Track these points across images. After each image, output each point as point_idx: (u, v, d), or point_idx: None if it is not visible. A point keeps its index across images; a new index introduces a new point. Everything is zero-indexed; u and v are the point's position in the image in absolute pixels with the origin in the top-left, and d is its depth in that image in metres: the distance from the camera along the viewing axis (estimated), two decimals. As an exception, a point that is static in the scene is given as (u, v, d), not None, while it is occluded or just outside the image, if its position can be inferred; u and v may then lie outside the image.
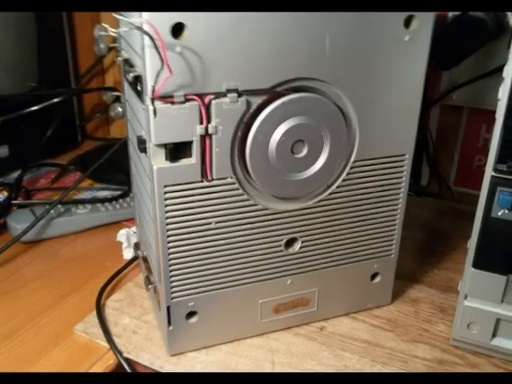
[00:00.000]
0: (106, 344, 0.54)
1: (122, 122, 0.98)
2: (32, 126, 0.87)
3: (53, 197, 0.79)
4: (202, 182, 0.46)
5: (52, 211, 0.71)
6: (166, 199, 0.46)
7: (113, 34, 0.47)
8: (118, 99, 0.93)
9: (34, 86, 0.88)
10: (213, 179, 0.47)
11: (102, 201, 0.77)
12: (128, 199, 0.78)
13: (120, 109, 0.90)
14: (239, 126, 0.45)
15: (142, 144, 0.46)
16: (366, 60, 0.47)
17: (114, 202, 0.77)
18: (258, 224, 0.50)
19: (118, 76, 1.02)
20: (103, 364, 0.52)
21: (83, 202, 0.76)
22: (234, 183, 0.47)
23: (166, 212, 0.46)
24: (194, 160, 0.45)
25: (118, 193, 0.79)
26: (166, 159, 0.45)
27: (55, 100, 0.86)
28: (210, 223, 0.48)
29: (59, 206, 0.73)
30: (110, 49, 0.90)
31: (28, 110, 0.84)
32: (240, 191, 0.48)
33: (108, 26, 0.47)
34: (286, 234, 0.52)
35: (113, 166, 0.81)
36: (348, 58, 0.46)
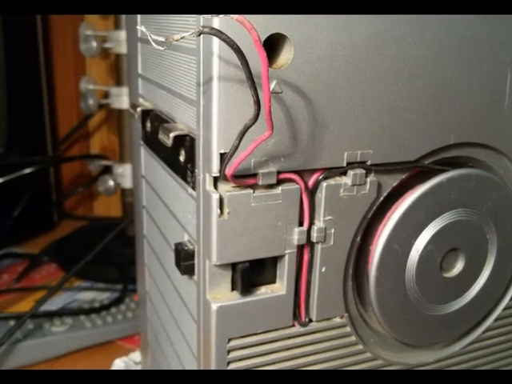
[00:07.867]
0: None
1: (109, 197, 0.78)
2: (-5, 204, 0.73)
3: (18, 302, 0.62)
4: (294, 326, 0.26)
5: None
6: (229, 361, 0.25)
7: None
8: (106, 170, 0.73)
9: (1, 152, 0.73)
10: (310, 321, 0.26)
11: (87, 312, 0.58)
12: (123, 307, 0.58)
13: (112, 183, 0.70)
14: (361, 226, 0.25)
15: (185, 260, 0.25)
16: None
17: (103, 313, 0.58)
18: (375, 390, 0.29)
19: (106, 141, 0.82)
20: None
21: (61, 314, 0.56)
22: (343, 326, 0.27)
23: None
24: (283, 290, 0.25)
25: (108, 295, 0.62)
26: (234, 289, 0.24)
27: (27, 171, 0.70)
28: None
29: (27, 320, 0.54)
30: (101, 106, 0.70)
31: (-10, 183, 0.72)
32: (353, 338, 0.27)
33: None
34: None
35: (100, 258, 0.63)
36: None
